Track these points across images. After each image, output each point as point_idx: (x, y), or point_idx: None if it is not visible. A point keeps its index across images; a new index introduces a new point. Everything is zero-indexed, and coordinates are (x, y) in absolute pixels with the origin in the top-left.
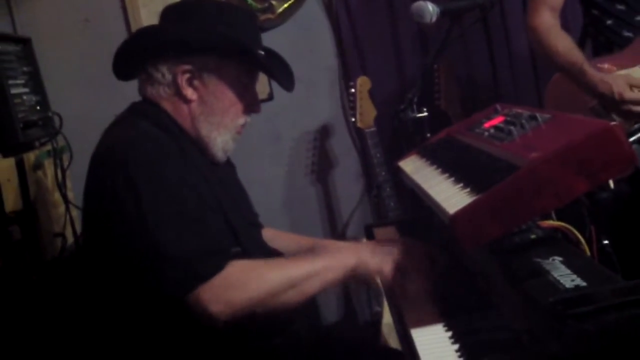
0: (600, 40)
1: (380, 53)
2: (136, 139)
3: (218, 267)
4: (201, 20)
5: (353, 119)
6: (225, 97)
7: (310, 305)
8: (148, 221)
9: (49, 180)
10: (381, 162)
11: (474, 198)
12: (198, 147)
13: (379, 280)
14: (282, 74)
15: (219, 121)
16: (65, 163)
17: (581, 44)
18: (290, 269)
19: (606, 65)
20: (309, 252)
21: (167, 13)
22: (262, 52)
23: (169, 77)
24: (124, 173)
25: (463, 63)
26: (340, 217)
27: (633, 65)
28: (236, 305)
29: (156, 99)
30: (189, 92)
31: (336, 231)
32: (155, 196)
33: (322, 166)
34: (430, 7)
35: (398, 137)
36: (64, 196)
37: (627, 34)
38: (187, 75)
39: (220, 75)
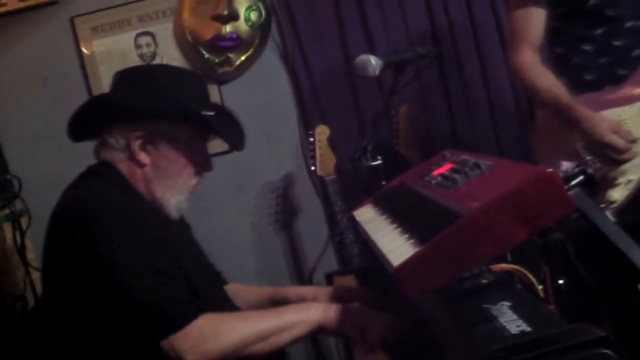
0: (564, 79)
1: (339, 101)
2: (94, 198)
3: (192, 316)
4: (150, 87)
5: (313, 168)
6: (178, 160)
7: (278, 353)
8: (113, 274)
9: (8, 244)
10: (342, 209)
11: (417, 249)
12: (153, 207)
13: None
14: (232, 132)
15: (172, 184)
16: (24, 225)
17: None
18: (260, 323)
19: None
20: (280, 305)
21: (118, 80)
22: (212, 112)
23: (122, 142)
24: (84, 230)
25: (421, 107)
26: (307, 264)
27: (614, 106)
28: (211, 355)
29: (111, 162)
30: (142, 157)
31: (303, 279)
32: (117, 250)
33: (286, 215)
34: (373, 60)
35: (356, 184)
36: (23, 259)
37: (588, 77)
38: (139, 141)
39: (172, 139)
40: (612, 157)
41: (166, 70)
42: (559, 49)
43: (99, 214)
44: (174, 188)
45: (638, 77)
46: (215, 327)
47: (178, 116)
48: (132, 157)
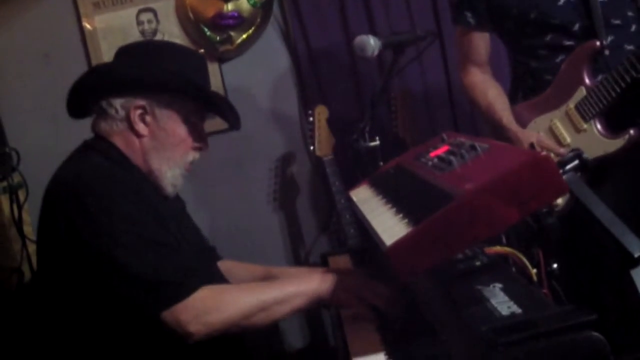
0: (527, 84)
1: (339, 82)
2: (88, 172)
3: (194, 286)
4: (155, 60)
5: (312, 147)
6: (176, 133)
7: (272, 333)
8: (112, 246)
9: (5, 216)
10: (340, 190)
11: (410, 229)
12: (149, 181)
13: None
14: (230, 111)
15: (169, 156)
16: (22, 198)
17: (515, 89)
18: (262, 294)
19: (525, 112)
20: (281, 277)
21: (122, 53)
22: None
23: (122, 112)
24: (80, 203)
25: (420, 89)
26: (303, 244)
27: (546, 111)
28: (214, 326)
29: (108, 135)
30: (141, 128)
31: (299, 258)
32: (115, 222)
33: (285, 194)
34: (372, 41)
35: (354, 165)
36: (20, 232)
37: (547, 77)
38: (139, 111)
39: (172, 112)
40: None
41: (170, 46)
42: (518, 56)
43: (95, 187)
44: (170, 160)
45: (561, 80)
46: (218, 298)
47: (181, 89)
48: (130, 128)
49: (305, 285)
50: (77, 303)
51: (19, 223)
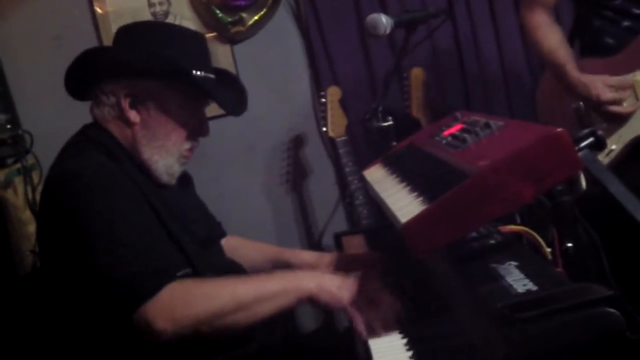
0: (586, 40)
1: (351, 62)
2: (78, 170)
3: (160, 285)
4: (148, 44)
5: (324, 128)
6: (168, 122)
7: (285, 314)
8: (89, 248)
9: (20, 198)
10: (353, 170)
11: (425, 207)
12: (142, 170)
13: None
14: (228, 96)
15: (160, 145)
16: (36, 180)
17: (571, 40)
18: (238, 290)
19: (591, 69)
20: (292, 260)
21: (119, 35)
22: (211, 75)
23: (113, 99)
24: (65, 204)
25: (433, 69)
26: (316, 225)
27: (613, 74)
28: (181, 322)
29: (102, 121)
30: (132, 115)
31: (312, 240)
32: (94, 224)
33: (297, 175)
34: (384, 19)
35: (367, 145)
36: (35, 213)
37: (608, 40)
38: (129, 99)
39: (163, 99)
40: (616, 111)
41: (167, 28)
42: (583, 10)
43: (81, 190)
44: (162, 150)
45: (635, 48)
46: (187, 293)
47: (166, 74)
48: (121, 116)
49: (294, 283)
50: (68, 295)
51: (33, 205)
